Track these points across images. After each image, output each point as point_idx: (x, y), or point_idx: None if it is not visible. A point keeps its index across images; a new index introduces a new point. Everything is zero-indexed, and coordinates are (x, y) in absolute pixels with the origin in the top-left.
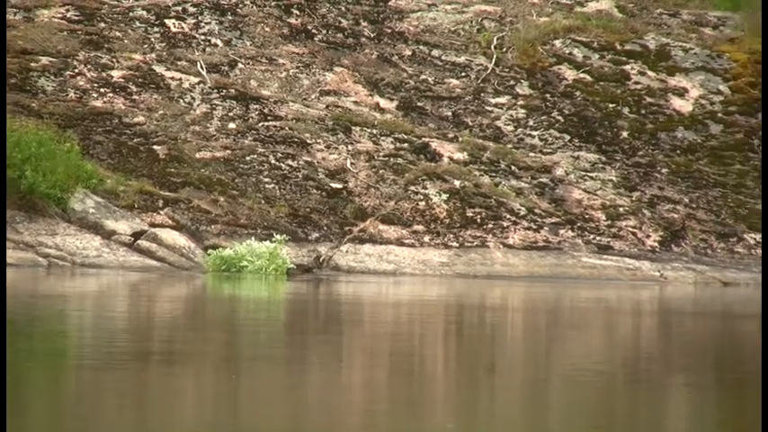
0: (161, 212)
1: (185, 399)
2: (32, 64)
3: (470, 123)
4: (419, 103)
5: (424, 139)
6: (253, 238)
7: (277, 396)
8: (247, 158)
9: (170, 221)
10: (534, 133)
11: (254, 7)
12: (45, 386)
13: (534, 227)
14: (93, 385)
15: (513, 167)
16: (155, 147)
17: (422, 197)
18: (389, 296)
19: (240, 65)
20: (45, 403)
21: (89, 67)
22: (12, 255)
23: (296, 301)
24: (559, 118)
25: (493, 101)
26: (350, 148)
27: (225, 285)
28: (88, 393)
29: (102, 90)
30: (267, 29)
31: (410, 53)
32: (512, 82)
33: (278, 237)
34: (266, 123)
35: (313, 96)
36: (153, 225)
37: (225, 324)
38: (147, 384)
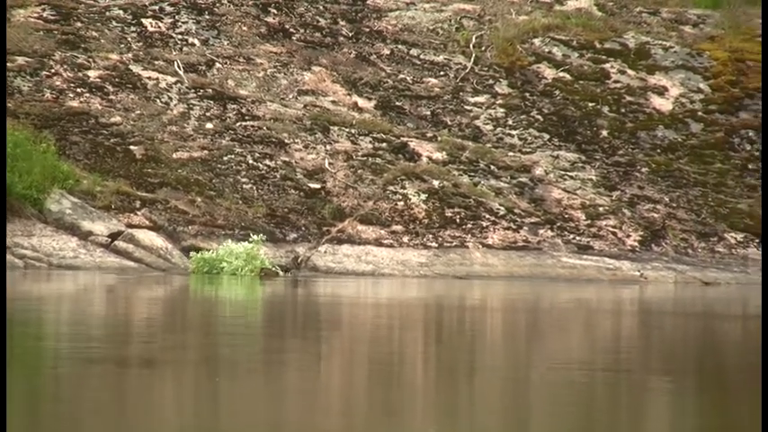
0: (138, 213)
1: (166, 402)
2: (8, 64)
3: (449, 123)
4: (398, 103)
5: (402, 138)
6: (230, 240)
7: (256, 400)
8: (225, 158)
9: (147, 222)
10: (513, 132)
11: (232, 6)
12: (22, 391)
13: (514, 227)
14: (71, 390)
15: (492, 167)
16: (132, 147)
17: (400, 197)
18: (368, 297)
19: (218, 64)
20: (22, 408)
21: (65, 66)
22: None
23: (270, 303)
24: (539, 117)
25: (472, 100)
26: (328, 147)
27: (200, 287)
28: (66, 398)
29: (78, 90)
30: (245, 28)
31: (388, 52)
32: (491, 81)
33: (255, 237)
34: (244, 123)
35: (291, 96)
36: (130, 226)
37: (198, 327)
38: (128, 389)
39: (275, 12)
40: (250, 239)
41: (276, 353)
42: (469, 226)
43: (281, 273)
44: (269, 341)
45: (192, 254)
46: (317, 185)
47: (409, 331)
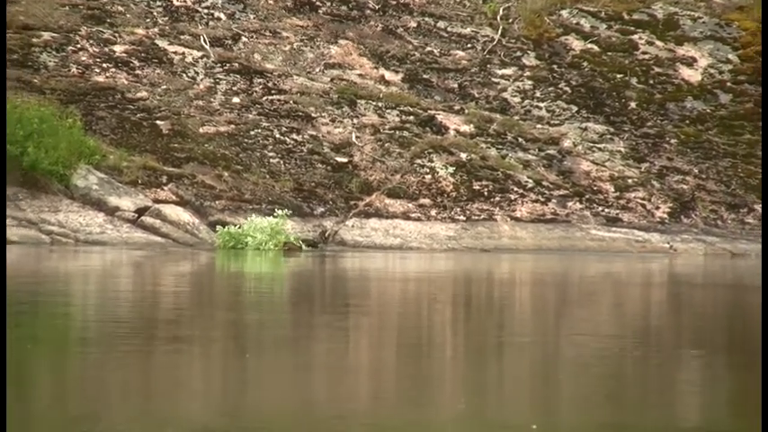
0: (165, 188)
1: (195, 379)
2: (34, 39)
3: (477, 95)
4: (425, 76)
5: (429, 111)
6: (253, 214)
7: (285, 376)
8: (251, 133)
9: (174, 197)
10: (541, 105)
11: None
12: (50, 368)
13: (542, 199)
14: (98, 369)
15: (520, 139)
16: (158, 122)
17: (428, 170)
18: (396, 271)
19: (244, 38)
20: (49, 387)
21: (91, 42)
22: (14, 232)
23: (298, 277)
24: (567, 89)
25: (499, 72)
26: (355, 121)
27: (226, 262)
28: (94, 376)
29: (104, 65)
30: (271, 1)
31: (415, 25)
32: (518, 53)
33: (279, 212)
34: (270, 97)
35: (317, 70)
36: (157, 201)
37: (227, 303)
38: (156, 367)
39: None
40: (275, 214)
41: (306, 328)
42: (497, 199)
43: (304, 247)
44: (298, 316)
45: (218, 228)
46: (345, 159)
47: (439, 305)
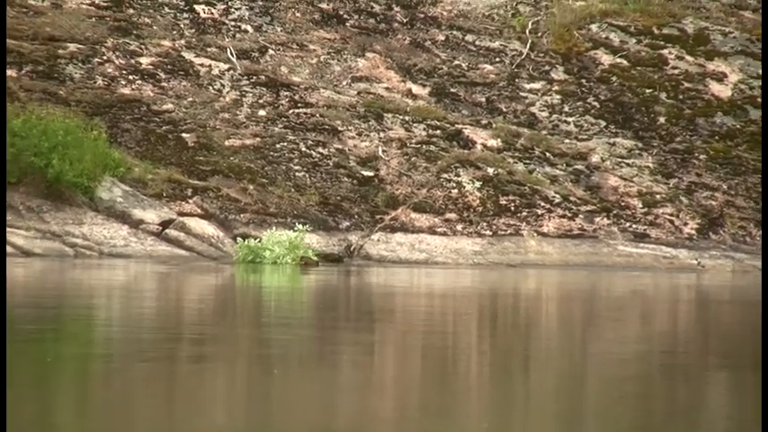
0: (189, 201)
1: (220, 396)
2: (60, 51)
3: (504, 109)
4: (452, 89)
5: (457, 125)
6: (274, 227)
7: (311, 392)
8: (277, 146)
9: (199, 210)
10: (569, 119)
11: None
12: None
13: (569, 215)
14: (121, 383)
15: (547, 154)
16: (183, 134)
17: (455, 185)
18: (422, 286)
19: (271, 51)
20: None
21: (117, 54)
22: (38, 244)
23: (322, 292)
24: (595, 104)
25: (527, 86)
26: (382, 135)
27: (246, 276)
28: (117, 391)
29: (130, 77)
30: (298, 14)
31: (443, 38)
32: (547, 67)
33: (300, 226)
34: (297, 110)
35: (344, 83)
36: (181, 214)
37: (252, 318)
38: (181, 382)
39: None
40: (295, 228)
41: (332, 344)
42: (524, 214)
43: (319, 264)
44: (324, 332)
45: (238, 241)
46: (371, 173)
47: (466, 322)
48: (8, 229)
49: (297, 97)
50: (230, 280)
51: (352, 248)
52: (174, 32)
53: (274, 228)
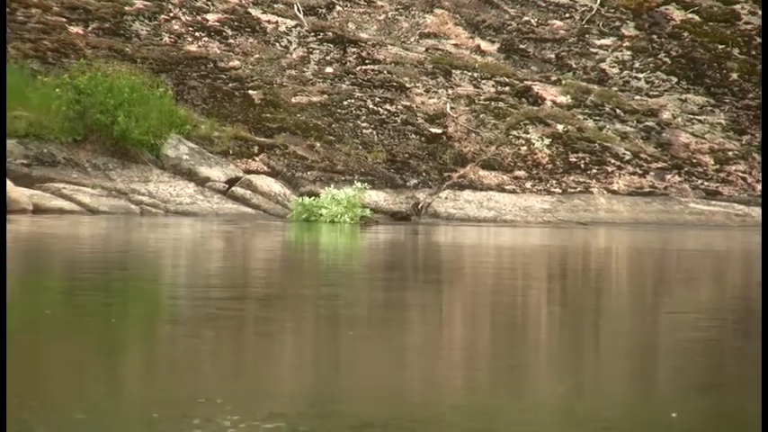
0: (256, 159)
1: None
2: (126, 8)
3: (574, 66)
4: (521, 46)
5: (525, 82)
6: (341, 185)
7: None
8: (344, 103)
9: (265, 168)
10: (640, 75)
11: None
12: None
13: (640, 172)
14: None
15: (617, 111)
16: (250, 92)
17: (523, 142)
18: (492, 244)
19: (338, 7)
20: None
21: (184, 10)
22: (104, 202)
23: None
24: (666, 60)
25: (597, 42)
26: (450, 92)
27: (311, 235)
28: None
29: (196, 34)
30: None
31: None
32: (617, 23)
33: (358, 184)
34: (364, 67)
35: (412, 39)
36: (248, 171)
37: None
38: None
39: None
40: (354, 186)
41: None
42: (594, 171)
43: (378, 222)
44: (394, 292)
45: (293, 199)
46: (439, 130)
47: (540, 281)
48: (74, 187)
49: (364, 54)
50: (292, 239)
51: (419, 206)
52: None
53: (333, 185)
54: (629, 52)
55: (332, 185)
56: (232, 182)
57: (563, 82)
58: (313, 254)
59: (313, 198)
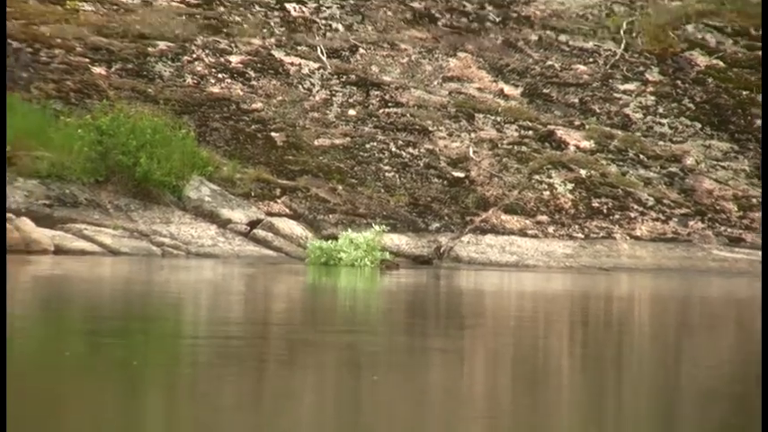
0: (278, 201)
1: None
2: (150, 49)
3: (598, 111)
4: (545, 90)
5: (549, 126)
6: (349, 229)
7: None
8: (367, 146)
9: (287, 210)
10: (664, 121)
11: None
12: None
13: (663, 218)
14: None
15: (641, 156)
16: (272, 134)
17: (546, 186)
18: (514, 290)
19: (361, 50)
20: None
21: (207, 52)
22: (126, 243)
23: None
24: (690, 105)
25: (621, 87)
26: (473, 135)
27: (322, 278)
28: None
29: (219, 75)
30: (389, 13)
31: (536, 38)
32: (641, 68)
33: (376, 227)
34: (387, 110)
35: (435, 83)
36: (269, 214)
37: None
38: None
39: None
40: (372, 229)
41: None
42: (617, 216)
43: (399, 266)
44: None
45: (309, 242)
46: (461, 174)
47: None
48: (96, 228)
49: (387, 97)
50: (314, 283)
51: (441, 250)
52: (265, 31)
53: (349, 230)
54: (652, 97)
55: (352, 229)
56: (254, 224)
57: (586, 127)
58: (341, 300)
59: (331, 241)
